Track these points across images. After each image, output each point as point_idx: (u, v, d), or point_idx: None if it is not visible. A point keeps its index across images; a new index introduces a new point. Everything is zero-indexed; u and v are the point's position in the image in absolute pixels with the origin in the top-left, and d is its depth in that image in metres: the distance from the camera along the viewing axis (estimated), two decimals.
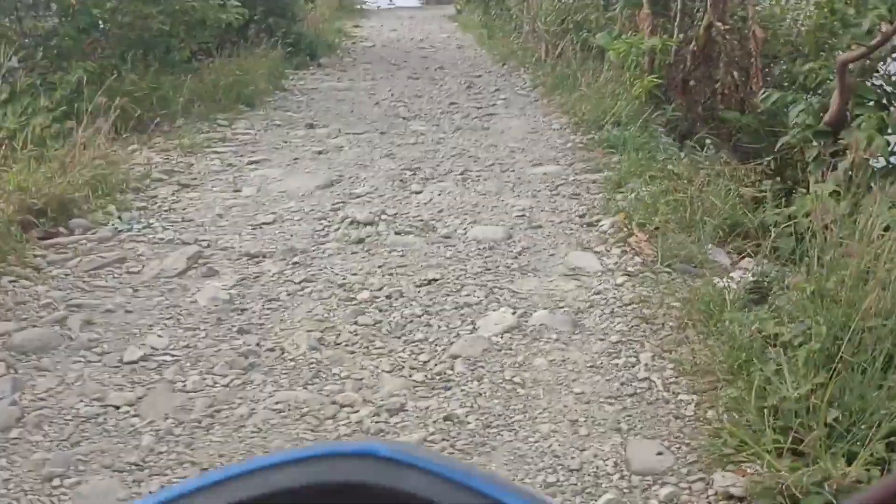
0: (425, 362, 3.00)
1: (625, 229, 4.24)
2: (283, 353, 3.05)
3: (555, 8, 9.96)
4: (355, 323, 3.29)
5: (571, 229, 4.47)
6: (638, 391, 2.75)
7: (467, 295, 3.59)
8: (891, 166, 3.91)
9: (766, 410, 2.27)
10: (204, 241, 4.20)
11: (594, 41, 8.44)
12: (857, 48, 3.79)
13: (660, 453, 2.41)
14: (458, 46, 13.91)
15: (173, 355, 3.02)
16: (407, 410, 2.70)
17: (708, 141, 5.30)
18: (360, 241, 4.26)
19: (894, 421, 2.12)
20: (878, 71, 4.39)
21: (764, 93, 4.40)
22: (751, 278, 3.34)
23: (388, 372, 2.94)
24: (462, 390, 2.81)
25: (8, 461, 2.42)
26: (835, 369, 2.24)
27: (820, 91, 6.04)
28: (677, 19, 7.45)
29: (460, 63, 11.67)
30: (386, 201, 4.98)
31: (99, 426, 2.59)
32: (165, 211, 4.70)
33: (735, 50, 6.92)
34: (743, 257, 3.84)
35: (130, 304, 3.43)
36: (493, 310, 3.43)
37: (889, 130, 3.79)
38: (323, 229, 4.45)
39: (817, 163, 3.87)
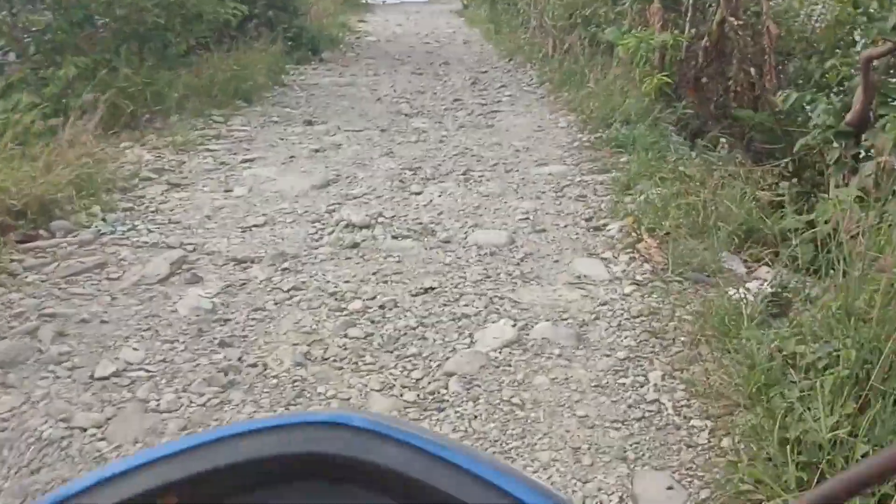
0: (418, 380, 2.79)
1: (633, 234, 4.02)
2: (265, 370, 2.84)
3: (563, 2, 9.71)
4: (345, 336, 3.08)
5: (577, 234, 4.25)
6: (646, 415, 2.54)
7: (465, 305, 3.37)
8: None
9: (788, 442, 2.05)
10: (190, 244, 4.00)
11: (603, 36, 8.21)
12: (882, 44, 3.57)
13: (670, 487, 2.20)
14: (465, 41, 13.69)
15: (148, 371, 2.82)
16: None
17: (722, 140, 5.06)
18: (355, 245, 4.05)
19: None
20: None
21: (782, 93, 4.16)
22: (769, 289, 3.11)
23: (377, 391, 2.73)
24: (456, 412, 2.60)
25: None
26: (864, 398, 2.03)
27: (842, 89, 5.81)
28: (689, 14, 7.20)
29: (466, 58, 11.45)
30: (384, 203, 4.77)
31: (62, 451, 2.38)
32: (152, 212, 4.50)
33: (748, 46, 6.67)
34: (760, 265, 3.62)
35: (107, 313, 3.23)
36: (493, 321, 3.22)
37: None
38: (316, 232, 4.25)
39: (839, 165, 3.64)
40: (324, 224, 4.37)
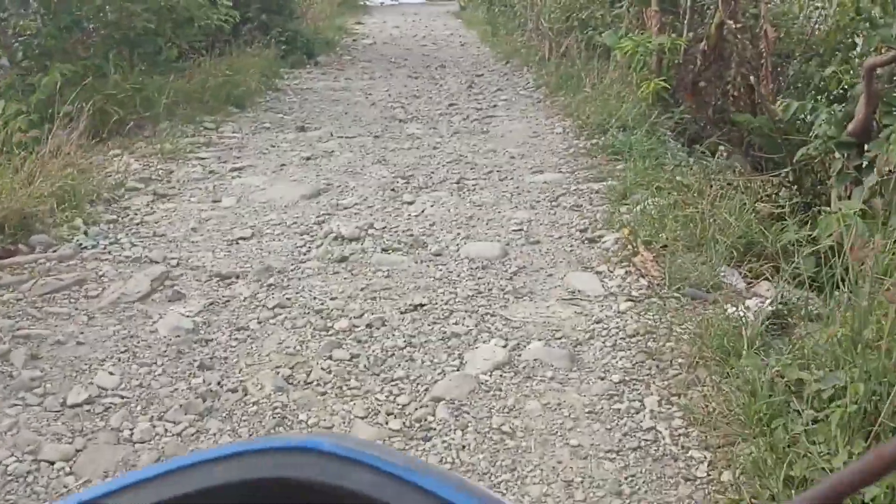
0: (404, 406, 2.68)
1: (629, 247, 3.90)
2: (245, 395, 2.72)
3: (559, 5, 9.61)
4: (329, 358, 2.97)
5: (571, 246, 4.13)
6: (642, 444, 2.42)
7: (456, 323, 3.26)
8: None
9: (793, 481, 1.94)
10: (173, 259, 3.88)
11: (599, 39, 8.11)
12: (885, 52, 3.45)
13: None
14: (462, 44, 13.59)
15: (123, 397, 2.70)
16: None
17: (721, 148, 4.95)
18: (344, 259, 3.93)
19: None
20: None
21: (781, 100, 4.05)
22: (769, 307, 3.00)
23: (361, 418, 2.61)
24: (443, 441, 2.48)
25: None
26: (874, 434, 1.91)
27: (841, 92, 5.69)
28: (687, 17, 7.10)
29: (462, 61, 11.35)
30: (375, 213, 4.66)
31: (27, 487, 2.27)
32: (136, 224, 4.38)
33: (747, 50, 6.57)
34: (759, 280, 3.50)
35: (83, 334, 3.11)
36: (484, 341, 3.10)
37: None
38: (304, 245, 4.13)
39: (841, 177, 3.52)
40: (312, 236, 4.26)
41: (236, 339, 3.13)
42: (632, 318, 3.25)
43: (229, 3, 8.02)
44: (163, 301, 3.44)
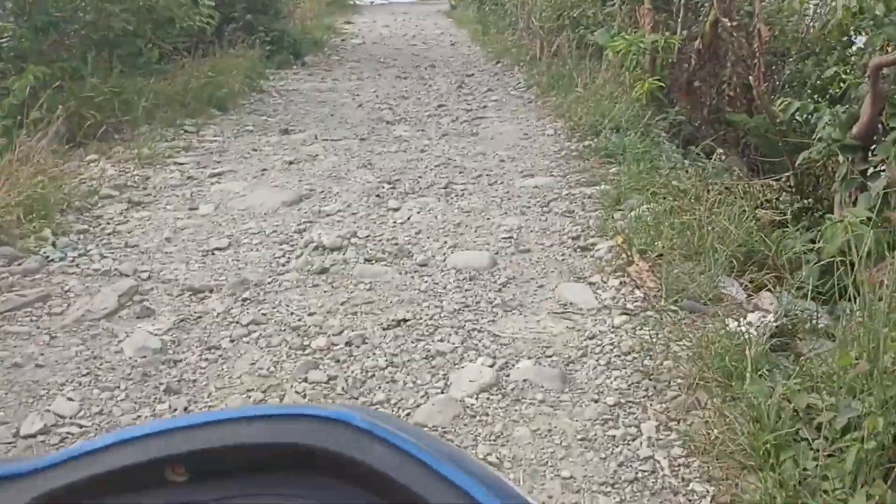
0: None
1: (624, 256, 3.72)
2: None
3: (550, 3, 9.43)
4: (304, 380, 2.78)
5: (563, 254, 3.96)
6: (639, 475, 2.24)
7: (441, 340, 3.07)
8: None
9: None
10: (144, 271, 3.69)
11: (591, 38, 7.93)
12: (891, 50, 3.28)
13: None
14: (452, 43, 13.41)
15: (81, 426, 2.51)
16: None
17: (720, 150, 4.78)
18: (324, 270, 3.75)
19: None
20: None
21: (782, 101, 3.87)
22: (772, 322, 2.83)
23: None
24: None
25: None
26: (894, 473, 1.74)
27: (836, 93, 5.53)
28: (680, 15, 6.92)
29: (452, 61, 11.17)
30: (358, 220, 4.47)
31: None
32: (108, 234, 4.19)
33: (743, 48, 6.40)
34: (761, 291, 3.33)
35: (43, 355, 2.92)
36: (470, 360, 2.92)
37: None
38: (283, 256, 3.94)
39: (846, 182, 3.35)
40: (292, 246, 4.07)
41: (206, 359, 2.94)
42: (627, 333, 3.07)
43: (211, 3, 7.80)
44: (130, 318, 3.25)
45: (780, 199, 3.95)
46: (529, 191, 4.99)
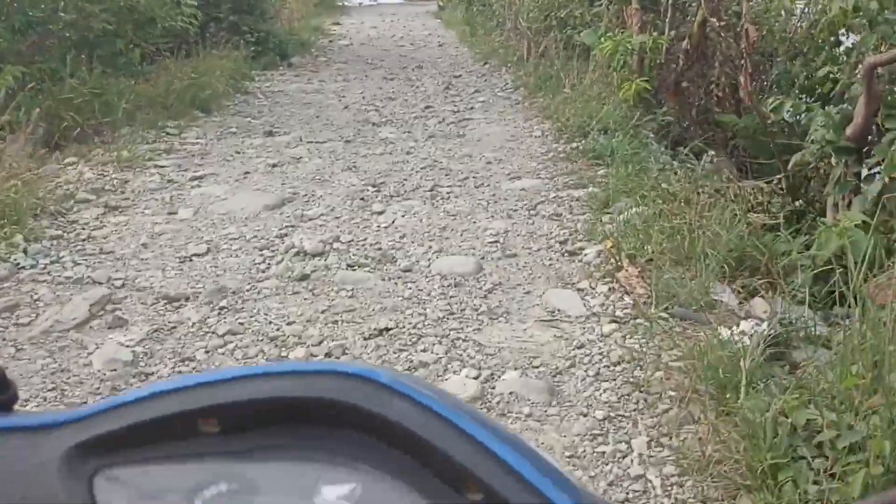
0: None
1: (612, 260, 3.63)
2: None
3: (537, 3, 9.34)
4: None
5: (551, 259, 3.86)
6: (631, 496, 2.14)
7: (424, 350, 2.97)
8: None
9: None
10: (118, 279, 3.57)
11: (579, 39, 7.84)
12: (886, 49, 3.20)
13: None
14: (440, 44, 13.31)
15: None
16: None
17: (712, 153, 4.69)
18: (305, 277, 3.63)
19: None
20: None
21: (774, 99, 3.78)
22: (766, 330, 2.74)
23: None
24: None
25: None
26: None
27: (825, 93, 5.45)
28: (668, 15, 6.84)
29: (440, 62, 11.07)
30: (341, 225, 4.36)
31: None
32: (83, 240, 4.06)
33: (731, 48, 6.33)
34: (753, 297, 3.24)
35: (8, 369, 2.79)
36: (454, 371, 2.81)
37: None
38: (263, 262, 3.83)
39: (841, 186, 3.26)
40: (273, 251, 3.95)
41: (179, 371, 2.82)
42: (616, 342, 2.97)
43: (194, 3, 7.67)
44: (101, 328, 3.13)
45: (772, 202, 3.86)
46: (516, 193, 4.89)
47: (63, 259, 3.77)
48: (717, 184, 4.19)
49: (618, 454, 2.31)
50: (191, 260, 3.84)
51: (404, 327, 3.16)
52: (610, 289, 3.45)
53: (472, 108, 7.67)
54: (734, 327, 2.83)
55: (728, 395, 2.35)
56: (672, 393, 2.55)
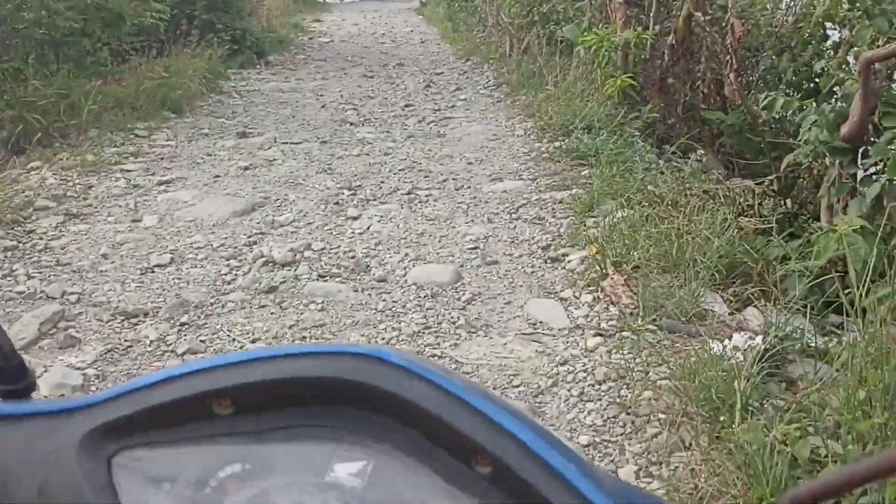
0: None
1: (597, 268, 3.45)
2: None
3: None
4: None
5: (533, 266, 3.68)
6: None
7: None
8: None
9: None
10: (74, 293, 3.36)
11: (562, 34, 7.66)
12: (883, 44, 3.03)
13: None
14: (422, 41, 13.10)
15: None
16: None
17: (700, 152, 4.52)
18: (273, 289, 3.43)
19: None
20: None
21: (765, 96, 3.61)
22: (761, 344, 2.56)
23: None
24: None
25: None
26: None
27: (813, 88, 5.29)
28: (653, 9, 6.67)
29: (421, 59, 10.86)
30: (314, 231, 4.16)
31: None
32: (39, 251, 3.84)
33: (717, 44, 6.16)
34: (746, 306, 3.07)
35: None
36: None
37: None
38: (229, 272, 3.63)
39: (838, 188, 3.09)
40: (240, 261, 3.75)
41: None
42: (601, 357, 2.79)
43: None
44: (52, 349, 2.92)
45: (763, 203, 3.69)
46: (497, 196, 4.71)
47: (16, 272, 3.56)
48: (705, 185, 4.02)
49: None
50: (153, 271, 3.64)
51: (377, 343, 2.97)
52: (594, 298, 3.27)
53: (453, 106, 7.48)
54: (726, 341, 2.65)
55: (721, 418, 2.17)
56: (661, 415, 2.37)
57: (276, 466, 0.45)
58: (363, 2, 21.56)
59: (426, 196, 4.76)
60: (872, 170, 3.12)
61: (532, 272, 3.61)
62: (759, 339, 2.61)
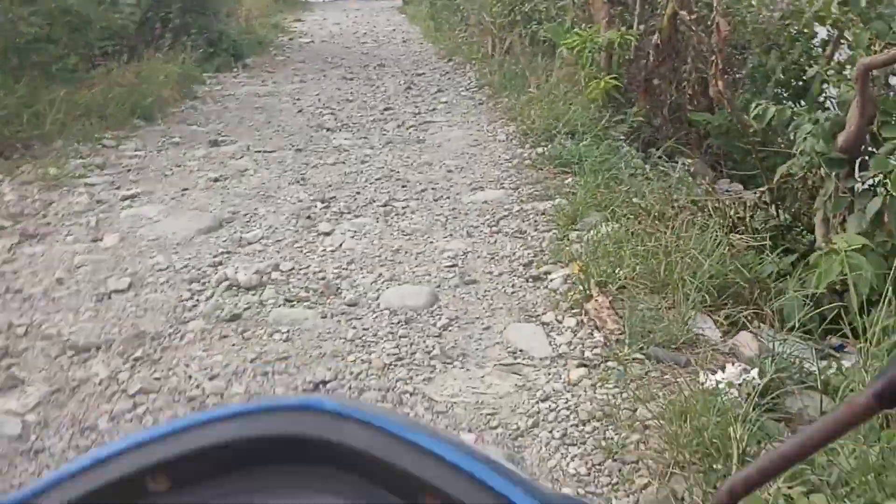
0: None
1: (581, 287, 3.25)
2: None
3: None
4: None
5: (514, 286, 3.48)
6: None
7: None
8: None
9: None
10: (21, 325, 3.13)
11: (544, 34, 7.47)
12: (881, 50, 2.84)
13: None
14: (404, 40, 12.87)
15: None
16: None
17: (687, 161, 4.33)
18: (236, 317, 3.22)
19: None
20: None
21: (756, 103, 3.42)
22: (756, 379, 2.37)
23: None
24: None
25: None
26: None
27: (799, 87, 5.12)
28: (637, 8, 6.48)
29: (403, 59, 10.64)
30: (283, 249, 3.95)
31: None
32: None
33: (702, 43, 5.98)
34: (738, 330, 2.88)
35: None
36: None
37: None
38: (191, 297, 3.41)
39: (836, 202, 2.91)
40: (203, 285, 3.53)
41: (77, 446, 2.40)
42: (585, 392, 2.59)
43: (133, 2, 7.18)
44: None
45: (755, 216, 3.50)
46: (478, 207, 4.51)
47: None
48: (693, 196, 3.83)
49: None
50: (109, 297, 3.41)
51: (344, 378, 2.76)
52: (578, 322, 3.07)
53: (433, 109, 7.27)
54: (719, 372, 2.46)
55: (717, 467, 1.98)
56: (651, 463, 2.17)
57: None
58: (345, 0, 21.30)
59: (403, 208, 4.55)
60: (871, 182, 2.94)
61: (513, 292, 3.41)
62: (754, 372, 2.42)
